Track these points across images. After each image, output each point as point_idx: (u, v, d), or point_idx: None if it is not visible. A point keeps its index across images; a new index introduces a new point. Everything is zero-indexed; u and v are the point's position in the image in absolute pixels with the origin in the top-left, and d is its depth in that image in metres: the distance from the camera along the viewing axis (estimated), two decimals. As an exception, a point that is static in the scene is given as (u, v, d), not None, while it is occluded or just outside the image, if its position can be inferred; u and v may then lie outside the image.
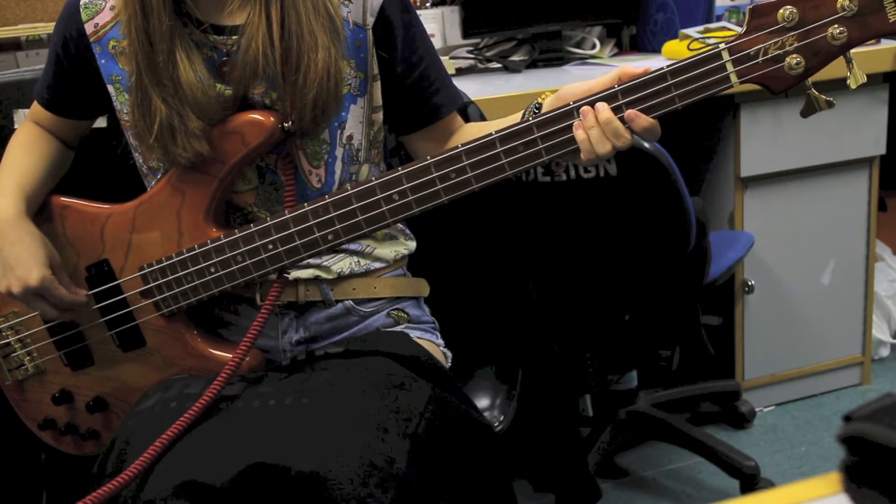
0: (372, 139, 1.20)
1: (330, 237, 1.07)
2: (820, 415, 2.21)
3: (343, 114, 1.14)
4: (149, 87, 1.07)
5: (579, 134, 0.99)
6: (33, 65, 1.99)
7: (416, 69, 1.18)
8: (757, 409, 2.21)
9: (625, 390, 2.04)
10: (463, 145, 1.02)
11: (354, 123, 1.16)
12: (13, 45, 2.34)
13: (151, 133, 1.08)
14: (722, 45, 0.96)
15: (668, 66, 0.97)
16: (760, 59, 0.95)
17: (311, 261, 1.14)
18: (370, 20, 1.13)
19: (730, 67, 0.96)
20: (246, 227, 1.10)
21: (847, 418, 0.49)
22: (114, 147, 1.20)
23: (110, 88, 1.17)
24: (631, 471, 2.06)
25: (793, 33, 0.94)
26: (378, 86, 1.17)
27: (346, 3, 1.12)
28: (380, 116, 1.20)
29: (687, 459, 2.05)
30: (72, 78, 1.19)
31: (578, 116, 0.99)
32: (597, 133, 0.98)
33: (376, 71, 1.16)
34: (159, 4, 1.04)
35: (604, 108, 0.98)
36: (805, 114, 0.99)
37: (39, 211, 1.20)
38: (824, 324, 2.22)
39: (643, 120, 0.98)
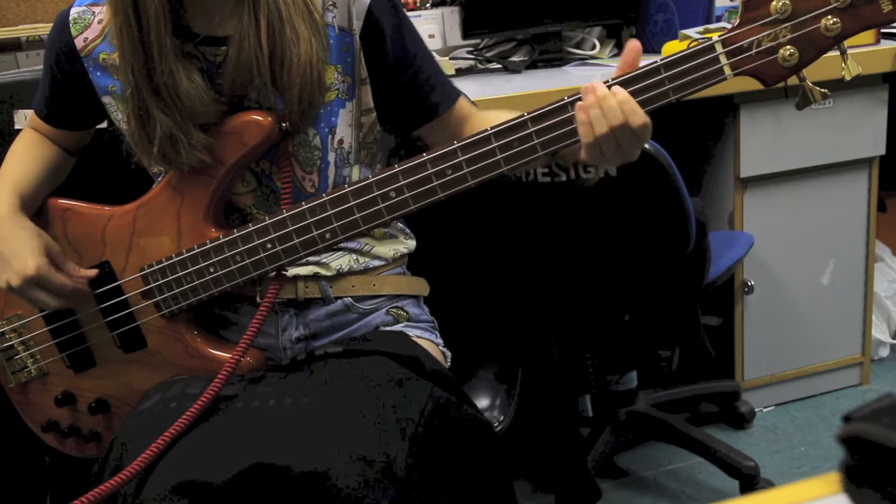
0: (361, 141, 1.20)
1: (328, 235, 1.07)
2: (820, 415, 2.21)
3: (333, 119, 1.14)
4: (148, 99, 1.06)
5: (580, 116, 0.98)
6: (33, 65, 2.00)
7: (410, 69, 1.17)
8: (756, 410, 2.21)
9: (624, 390, 2.04)
10: (458, 141, 1.02)
11: (344, 127, 1.16)
12: (13, 46, 2.34)
13: (153, 144, 1.08)
14: (715, 38, 0.96)
15: (661, 60, 0.97)
16: (753, 51, 0.95)
17: (310, 258, 1.14)
18: (357, 24, 1.13)
19: (723, 60, 0.96)
20: (244, 227, 1.10)
21: (846, 418, 0.50)
22: (118, 143, 1.20)
23: (106, 100, 1.17)
24: (631, 471, 2.06)
25: (786, 25, 0.94)
26: (367, 89, 1.17)
27: (331, 7, 1.12)
28: (370, 119, 1.20)
29: (687, 459, 2.05)
30: (67, 92, 1.19)
31: (572, 111, 0.99)
32: (596, 113, 0.97)
33: (364, 75, 1.16)
34: (159, 21, 1.02)
35: (600, 86, 0.97)
36: (800, 106, 0.99)
37: (40, 213, 1.21)
38: (824, 324, 2.22)
39: (622, 93, 0.96)
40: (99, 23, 1.14)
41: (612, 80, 0.99)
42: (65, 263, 1.16)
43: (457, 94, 1.23)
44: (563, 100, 1.00)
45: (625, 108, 0.96)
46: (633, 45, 0.98)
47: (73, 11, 1.15)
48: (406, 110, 1.20)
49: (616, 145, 0.98)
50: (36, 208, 1.21)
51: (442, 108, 1.20)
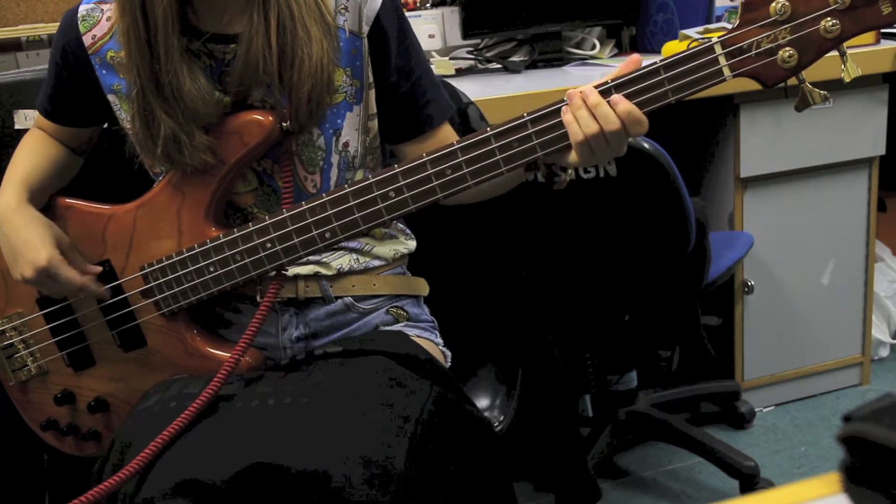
0: (368, 146, 1.20)
1: (327, 235, 1.08)
2: (820, 415, 2.21)
3: (339, 121, 1.15)
4: (152, 100, 1.07)
5: (567, 117, 0.99)
6: (33, 65, 2.00)
7: (410, 78, 1.17)
8: (756, 410, 2.21)
9: (625, 390, 2.04)
10: (458, 142, 1.02)
11: (350, 131, 1.16)
12: (13, 46, 2.35)
13: (157, 145, 1.09)
14: (715, 39, 0.97)
15: (661, 61, 0.98)
16: (753, 52, 0.96)
17: (310, 257, 1.14)
18: (366, 28, 1.13)
19: (722, 61, 0.96)
20: (244, 227, 1.11)
21: (846, 418, 0.49)
22: (121, 142, 1.20)
23: (111, 98, 1.17)
24: (631, 471, 2.06)
25: (785, 26, 0.94)
26: (373, 93, 1.17)
27: (343, 11, 1.12)
28: (375, 124, 1.20)
29: (687, 459, 2.05)
30: (72, 88, 1.20)
31: None
32: (584, 114, 0.98)
33: (371, 79, 1.16)
34: (167, 21, 1.03)
35: (591, 92, 0.98)
36: (799, 108, 1.00)
37: (43, 211, 1.21)
38: (824, 324, 2.22)
39: (625, 104, 0.97)
40: (107, 20, 1.14)
41: (612, 80, 0.99)
42: (74, 255, 1.17)
43: (450, 110, 1.23)
44: (564, 101, 1.00)
45: (627, 119, 0.97)
46: (635, 58, 0.99)
47: (82, 9, 1.16)
48: (401, 119, 1.20)
49: (607, 146, 1.00)
50: (41, 206, 1.21)
51: (435, 122, 1.20)
